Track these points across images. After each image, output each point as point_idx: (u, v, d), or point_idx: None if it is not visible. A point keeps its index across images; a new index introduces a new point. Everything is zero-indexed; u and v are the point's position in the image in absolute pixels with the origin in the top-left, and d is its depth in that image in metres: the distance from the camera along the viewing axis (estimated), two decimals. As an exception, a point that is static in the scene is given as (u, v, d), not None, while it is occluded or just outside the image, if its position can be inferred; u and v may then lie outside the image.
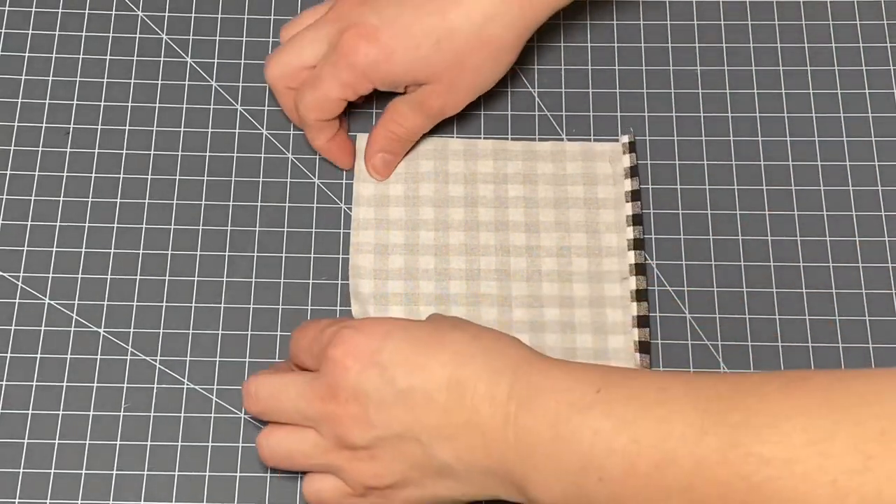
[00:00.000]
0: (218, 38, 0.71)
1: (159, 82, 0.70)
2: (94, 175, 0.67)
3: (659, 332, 0.64)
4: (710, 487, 0.45)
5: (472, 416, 0.52)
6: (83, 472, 0.60)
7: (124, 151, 0.68)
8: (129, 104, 0.69)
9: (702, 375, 0.50)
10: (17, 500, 0.60)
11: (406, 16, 0.61)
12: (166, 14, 0.71)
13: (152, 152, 0.68)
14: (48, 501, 0.60)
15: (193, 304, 0.64)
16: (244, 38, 0.71)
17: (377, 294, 0.64)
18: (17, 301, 0.64)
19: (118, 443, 0.61)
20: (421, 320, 0.56)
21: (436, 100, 0.64)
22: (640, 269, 0.64)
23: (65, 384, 0.62)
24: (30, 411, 0.61)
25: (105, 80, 0.69)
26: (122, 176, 0.67)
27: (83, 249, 0.65)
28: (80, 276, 0.64)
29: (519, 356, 0.53)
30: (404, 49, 0.61)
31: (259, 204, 0.67)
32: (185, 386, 0.62)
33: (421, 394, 0.52)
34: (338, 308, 0.64)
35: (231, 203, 0.67)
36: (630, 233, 0.65)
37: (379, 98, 0.69)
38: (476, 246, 0.65)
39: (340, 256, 0.66)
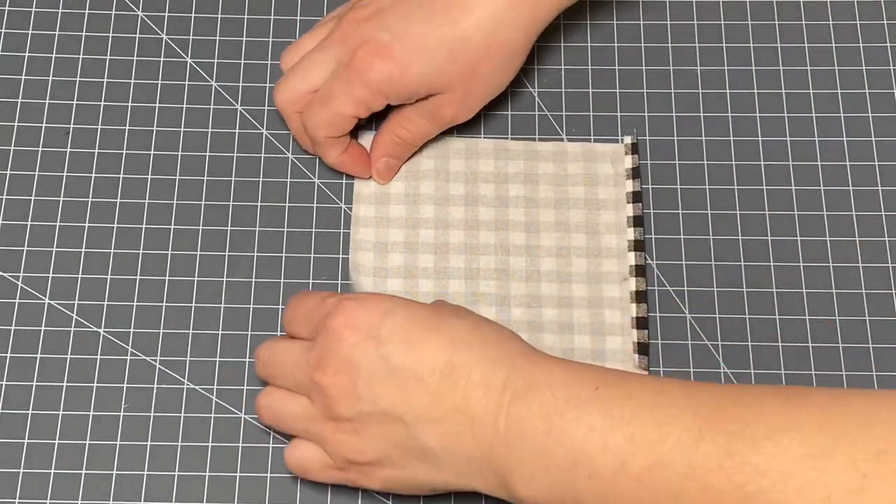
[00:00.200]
0: (218, 38, 0.71)
1: (159, 82, 0.70)
2: (94, 175, 0.67)
3: (659, 332, 0.64)
4: (701, 493, 0.45)
5: (463, 402, 0.51)
6: (83, 472, 0.60)
7: (124, 151, 0.68)
8: (129, 104, 0.69)
9: (701, 383, 0.50)
10: (17, 500, 0.60)
11: (417, 29, 0.61)
12: (166, 14, 0.71)
13: (152, 152, 0.68)
14: (48, 501, 0.60)
15: (193, 304, 0.64)
16: (244, 38, 0.71)
17: (377, 291, 0.64)
18: (17, 301, 0.64)
19: (118, 443, 0.61)
20: (425, 303, 0.56)
21: (448, 109, 0.64)
22: (640, 271, 0.64)
23: (65, 384, 0.62)
24: (30, 411, 0.61)
25: (105, 80, 0.69)
26: (122, 176, 0.67)
27: (83, 249, 0.65)
28: (80, 276, 0.64)
29: (517, 350, 0.53)
30: (419, 62, 0.61)
31: (259, 204, 0.67)
32: (185, 386, 0.62)
33: (413, 374, 0.52)
34: (338, 308, 0.64)
35: (231, 203, 0.67)
36: (631, 234, 0.65)
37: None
38: (476, 245, 0.65)
39: (340, 256, 0.66)
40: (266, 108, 0.69)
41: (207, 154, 0.68)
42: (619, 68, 0.70)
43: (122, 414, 0.62)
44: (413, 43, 0.61)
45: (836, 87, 0.70)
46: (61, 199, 0.66)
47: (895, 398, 0.45)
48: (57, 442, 0.61)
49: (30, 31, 0.71)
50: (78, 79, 0.69)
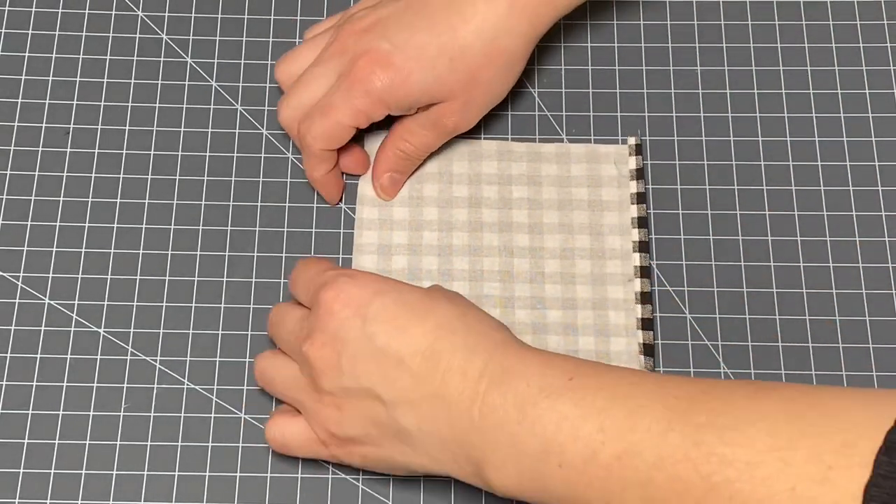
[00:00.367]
0: (218, 38, 0.71)
1: (159, 82, 0.70)
2: (94, 175, 0.67)
3: (659, 333, 0.64)
4: (669, 483, 0.46)
5: (441, 387, 0.52)
6: (83, 472, 0.60)
7: (124, 151, 0.68)
8: (129, 104, 0.69)
9: (674, 376, 0.50)
10: (17, 500, 0.60)
11: (417, 38, 0.61)
12: (166, 14, 0.71)
13: (152, 152, 0.68)
14: (48, 501, 0.60)
15: (193, 304, 0.64)
16: (244, 38, 0.71)
17: None
18: (17, 301, 0.64)
19: (118, 443, 0.61)
20: (418, 286, 0.57)
21: (450, 118, 0.64)
22: (644, 272, 0.64)
23: (65, 384, 0.62)
24: (30, 411, 0.61)
25: (105, 80, 0.69)
26: (122, 176, 0.67)
27: (83, 249, 0.65)
28: (80, 276, 0.64)
29: (499, 339, 0.53)
30: (420, 70, 0.61)
31: (259, 204, 0.67)
32: (185, 386, 0.62)
33: (395, 355, 0.53)
34: (338, 308, 0.64)
35: (231, 203, 0.67)
36: (635, 235, 0.65)
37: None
38: (479, 247, 0.65)
39: (340, 256, 0.66)
40: (266, 108, 0.69)
41: (207, 154, 0.68)
42: (620, 68, 0.70)
43: (122, 414, 0.62)
44: (413, 52, 0.61)
45: (836, 88, 0.70)
46: (61, 199, 0.66)
47: (862, 394, 0.45)
48: (57, 442, 0.61)
49: (30, 31, 0.71)
50: (78, 79, 0.69)
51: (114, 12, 0.71)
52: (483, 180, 0.67)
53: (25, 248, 0.65)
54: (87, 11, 0.71)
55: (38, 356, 0.63)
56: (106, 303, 0.64)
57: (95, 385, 0.62)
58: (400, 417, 0.53)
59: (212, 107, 0.69)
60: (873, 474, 0.41)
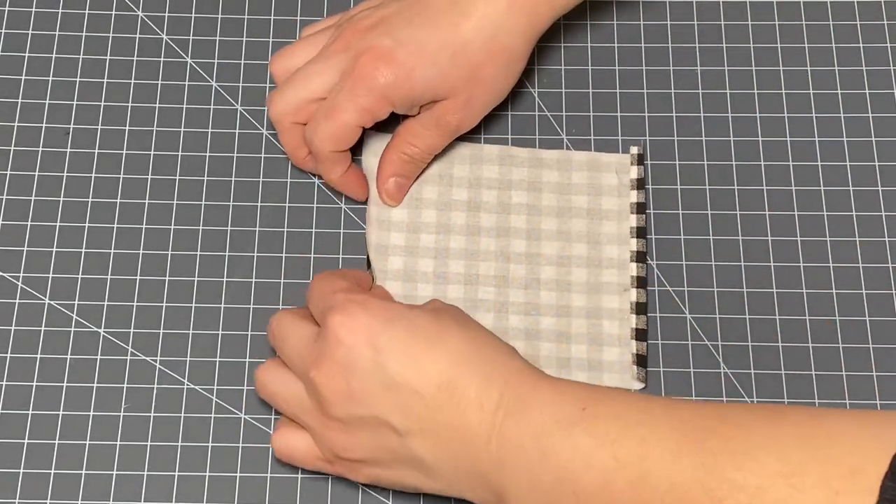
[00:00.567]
0: (218, 38, 0.71)
1: (159, 82, 0.70)
2: (94, 175, 0.67)
3: (659, 333, 0.64)
4: None
5: (458, 418, 0.52)
6: (83, 472, 0.60)
7: (124, 151, 0.68)
8: (129, 104, 0.69)
9: (683, 401, 0.51)
10: (17, 500, 0.60)
11: (419, 34, 0.61)
12: (166, 14, 0.71)
13: (152, 152, 0.68)
14: (48, 501, 0.60)
15: (193, 304, 0.64)
16: (244, 38, 0.71)
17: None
18: (17, 301, 0.64)
19: (118, 443, 0.61)
20: (424, 308, 0.56)
21: (453, 115, 0.64)
22: (641, 282, 0.64)
23: (65, 384, 0.62)
24: (30, 411, 0.61)
25: (105, 80, 0.69)
26: (122, 176, 0.67)
27: (83, 249, 0.65)
28: (80, 276, 0.64)
29: (512, 367, 0.53)
30: (423, 66, 0.61)
31: (259, 204, 0.67)
32: (185, 386, 0.62)
33: (409, 387, 0.53)
34: (338, 308, 0.64)
35: (231, 203, 0.67)
36: (634, 245, 0.65)
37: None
38: (476, 251, 0.65)
39: (340, 256, 0.66)
40: (266, 108, 0.69)
41: (207, 154, 0.68)
42: (619, 68, 0.70)
43: (122, 414, 0.62)
44: (415, 47, 0.61)
45: (836, 88, 0.70)
46: (61, 199, 0.66)
47: (868, 417, 0.46)
48: (57, 442, 0.61)
49: (30, 31, 0.71)
50: (78, 79, 0.69)
51: (114, 12, 0.71)
52: (483, 184, 0.67)
53: (25, 248, 0.65)
54: (87, 11, 0.71)
55: (38, 356, 0.63)
56: (106, 303, 0.64)
57: (95, 385, 0.62)
58: (415, 447, 0.53)
59: (212, 107, 0.69)
60: (880, 499, 0.42)
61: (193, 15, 0.71)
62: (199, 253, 0.65)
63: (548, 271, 0.65)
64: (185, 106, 0.69)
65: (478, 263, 0.65)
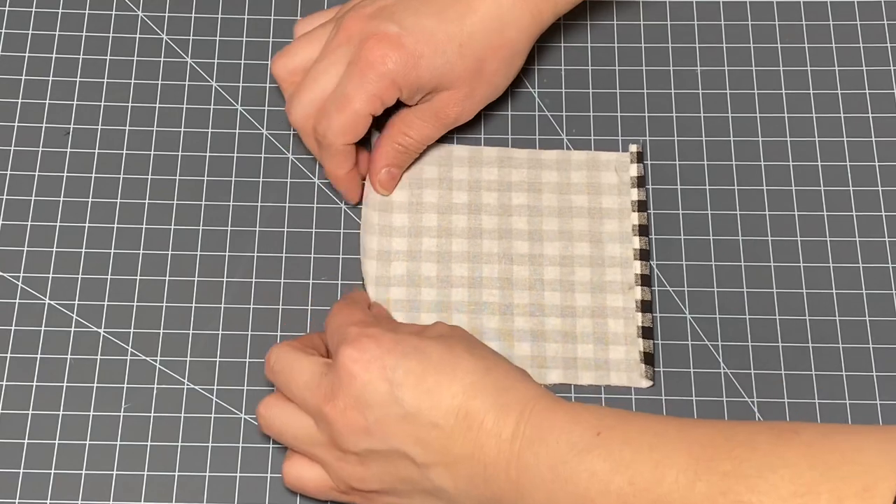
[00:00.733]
0: (218, 38, 0.71)
1: (159, 82, 0.70)
2: (94, 175, 0.67)
3: (659, 333, 0.64)
4: None
5: (476, 449, 0.52)
6: (83, 472, 0.60)
7: (124, 151, 0.68)
8: (129, 104, 0.69)
9: (697, 423, 0.51)
10: (17, 500, 0.60)
11: (426, 23, 0.61)
12: (166, 14, 0.71)
13: (152, 152, 0.68)
14: (48, 501, 0.60)
15: (193, 304, 0.64)
16: (244, 38, 0.71)
17: (379, 300, 0.64)
18: (17, 301, 0.64)
19: (118, 443, 0.61)
20: (433, 336, 0.56)
21: (453, 108, 0.64)
22: (645, 280, 0.64)
23: (65, 384, 0.62)
24: (30, 411, 0.61)
25: (105, 80, 0.69)
26: (122, 176, 0.67)
27: (83, 249, 0.65)
28: (80, 276, 0.64)
29: (527, 393, 0.53)
30: (430, 55, 0.61)
31: (259, 204, 0.67)
32: (185, 386, 0.62)
33: (427, 419, 0.52)
34: (338, 308, 0.64)
35: (231, 203, 0.67)
36: (636, 242, 0.65)
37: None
38: (479, 254, 0.65)
39: (340, 256, 0.66)
40: (266, 108, 0.69)
41: (207, 154, 0.68)
42: (620, 68, 0.70)
43: (122, 414, 0.62)
44: (423, 36, 0.61)
45: (836, 88, 0.70)
46: (61, 199, 0.66)
47: (880, 434, 0.46)
48: (57, 442, 0.61)
49: (30, 31, 0.71)
50: (78, 79, 0.69)
51: (114, 12, 0.71)
52: (483, 187, 0.67)
53: (25, 248, 0.65)
54: (87, 11, 0.71)
55: (38, 356, 0.63)
56: (106, 303, 0.64)
57: (95, 385, 0.62)
58: (435, 478, 0.53)
59: (212, 107, 0.69)
60: None
61: (193, 15, 0.71)
62: (199, 253, 0.65)
63: (551, 272, 0.65)
64: (185, 106, 0.69)
65: (481, 266, 0.65)
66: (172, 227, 0.66)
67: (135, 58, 0.70)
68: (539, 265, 0.65)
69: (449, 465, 0.52)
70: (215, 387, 0.62)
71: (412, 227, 0.66)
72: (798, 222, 0.66)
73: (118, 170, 0.67)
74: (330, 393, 0.54)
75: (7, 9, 0.71)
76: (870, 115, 0.69)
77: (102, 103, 0.69)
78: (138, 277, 0.65)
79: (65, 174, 0.67)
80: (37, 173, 0.67)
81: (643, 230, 0.66)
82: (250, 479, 0.60)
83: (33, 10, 0.71)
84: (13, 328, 0.63)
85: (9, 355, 0.63)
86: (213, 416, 0.62)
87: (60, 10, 0.71)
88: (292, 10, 0.72)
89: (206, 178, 0.67)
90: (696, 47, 0.71)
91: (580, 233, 0.66)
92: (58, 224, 0.66)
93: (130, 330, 0.63)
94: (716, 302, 0.64)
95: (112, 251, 0.65)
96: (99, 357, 0.63)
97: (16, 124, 0.68)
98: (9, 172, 0.67)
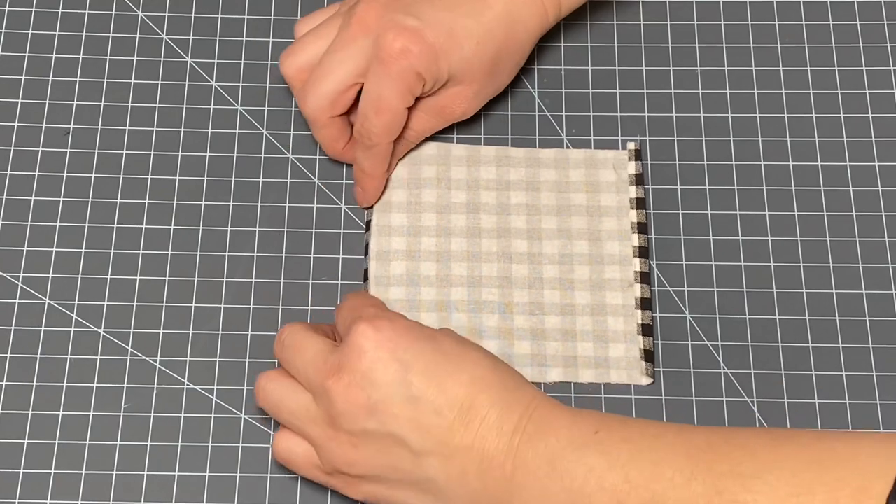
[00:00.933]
0: (218, 38, 0.71)
1: (159, 82, 0.70)
2: (94, 175, 0.67)
3: (659, 333, 0.64)
4: None
5: (476, 441, 0.52)
6: (83, 472, 0.60)
7: (124, 151, 0.68)
8: (129, 104, 0.69)
9: (696, 427, 0.51)
10: (17, 500, 0.60)
11: (441, 16, 0.61)
12: (166, 14, 0.71)
13: (152, 152, 0.68)
14: (48, 501, 0.60)
15: (193, 304, 0.64)
16: (244, 38, 0.71)
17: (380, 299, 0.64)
18: (17, 301, 0.64)
19: (118, 443, 0.61)
20: (445, 331, 0.56)
21: (461, 103, 0.64)
22: (644, 277, 0.64)
23: (65, 384, 0.62)
24: (30, 411, 0.61)
25: (105, 80, 0.69)
26: (122, 176, 0.67)
27: (83, 249, 0.65)
28: (80, 276, 0.64)
29: (530, 395, 0.53)
30: (450, 50, 0.61)
31: (259, 204, 0.67)
32: (185, 386, 0.62)
33: (432, 406, 0.52)
34: (338, 308, 0.64)
35: (231, 203, 0.67)
36: (635, 240, 0.65)
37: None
38: (478, 253, 0.65)
39: (340, 256, 0.66)
40: (266, 108, 0.69)
41: (207, 154, 0.68)
42: (619, 68, 0.70)
43: (122, 414, 0.62)
44: (442, 29, 0.60)
45: (836, 88, 0.70)
46: (61, 199, 0.66)
47: (875, 438, 0.47)
48: (57, 442, 0.61)
49: (30, 31, 0.71)
50: (78, 79, 0.69)
51: (114, 12, 0.71)
52: (481, 186, 0.67)
53: (25, 248, 0.65)
54: (87, 11, 0.71)
55: (38, 356, 0.63)
56: (106, 303, 0.64)
57: (95, 385, 0.62)
58: (428, 468, 0.52)
59: (212, 107, 0.69)
60: None
61: (193, 15, 0.71)
62: (198, 253, 0.65)
63: (550, 270, 0.65)
64: (185, 106, 0.69)
65: (480, 265, 0.65)
66: (172, 227, 0.66)
67: (135, 58, 0.70)
68: (538, 263, 0.65)
69: (445, 456, 0.52)
70: (215, 387, 0.62)
71: (411, 226, 0.66)
72: (798, 222, 0.66)
73: (118, 170, 0.67)
74: (336, 368, 0.53)
75: (7, 9, 0.71)
76: (870, 115, 0.69)
77: (102, 103, 0.69)
78: (138, 277, 0.65)
79: (65, 174, 0.67)
80: (37, 173, 0.67)
81: (642, 227, 0.66)
82: (250, 479, 0.60)
83: (33, 10, 0.71)
84: (13, 328, 0.63)
85: (9, 355, 0.63)
86: (213, 416, 0.62)
87: (60, 10, 0.71)
88: (292, 10, 0.72)
89: (206, 178, 0.67)
90: (696, 47, 0.71)
91: (579, 231, 0.66)
92: (58, 224, 0.66)
93: (130, 330, 0.63)
94: (716, 302, 0.64)
95: (112, 251, 0.65)
96: (99, 357, 0.63)
97: (16, 124, 0.68)
98: (9, 172, 0.67)
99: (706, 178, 0.67)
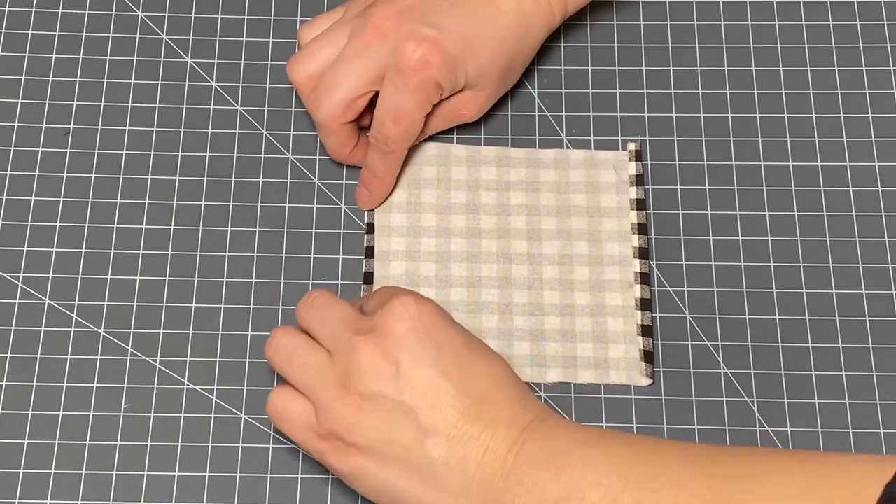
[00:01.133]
0: (218, 38, 0.71)
1: (159, 82, 0.70)
2: (94, 175, 0.67)
3: (659, 333, 0.64)
4: None
5: (485, 431, 0.52)
6: (83, 472, 0.60)
7: (124, 151, 0.68)
8: (129, 104, 0.69)
9: (697, 443, 0.54)
10: (17, 500, 0.60)
11: (457, 25, 0.61)
12: (166, 14, 0.71)
13: (152, 152, 0.68)
14: (48, 501, 0.60)
15: (193, 304, 0.64)
16: (244, 39, 0.71)
17: None
18: (17, 301, 0.64)
19: (118, 443, 0.61)
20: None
21: (471, 108, 0.65)
22: (644, 279, 0.64)
23: (65, 384, 0.62)
24: (30, 411, 0.61)
25: (105, 80, 0.69)
26: (122, 176, 0.67)
27: (83, 249, 0.65)
28: (80, 276, 0.64)
29: (542, 406, 0.55)
30: (467, 60, 0.62)
31: (259, 204, 0.67)
32: (185, 386, 0.62)
33: (452, 389, 0.53)
34: (338, 308, 0.64)
35: (231, 203, 0.67)
36: (635, 241, 0.65)
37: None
38: (478, 253, 0.65)
39: (340, 256, 0.66)
40: (266, 108, 0.69)
41: (207, 154, 0.68)
42: (619, 69, 0.70)
43: (122, 414, 0.62)
44: (460, 39, 0.61)
45: (836, 88, 0.70)
46: (61, 199, 0.66)
47: (870, 457, 0.48)
48: (57, 442, 0.61)
49: (30, 31, 0.71)
50: (78, 79, 0.69)
51: (114, 12, 0.71)
52: (481, 186, 0.67)
53: (25, 248, 0.65)
54: (87, 11, 0.71)
55: (38, 356, 0.63)
56: (106, 303, 0.64)
57: (95, 385, 0.62)
58: (430, 448, 0.52)
59: (212, 107, 0.69)
60: None
61: (193, 15, 0.71)
62: (199, 253, 0.65)
63: (550, 271, 0.65)
64: (185, 106, 0.69)
65: (480, 265, 0.65)
66: (172, 227, 0.66)
67: (135, 58, 0.70)
68: (538, 264, 0.65)
69: (450, 439, 0.52)
70: (215, 387, 0.62)
71: (411, 226, 0.66)
72: (798, 222, 0.66)
73: (118, 170, 0.67)
74: (370, 328, 0.54)
75: (7, 9, 0.71)
76: (870, 115, 0.69)
77: (102, 103, 0.69)
78: (138, 277, 0.65)
79: (65, 174, 0.67)
80: (37, 173, 0.67)
81: (642, 228, 0.66)
82: (250, 479, 0.60)
83: (33, 10, 0.71)
84: (13, 328, 0.63)
85: (9, 355, 0.63)
86: (213, 416, 0.62)
87: (60, 10, 0.71)
88: (292, 10, 0.72)
89: (206, 178, 0.67)
90: (696, 47, 0.71)
91: (579, 231, 0.66)
92: (58, 224, 0.66)
93: (130, 330, 0.63)
94: (715, 302, 0.64)
95: (112, 251, 0.65)
96: (99, 357, 0.63)
97: (16, 124, 0.68)
98: (9, 172, 0.67)
99: (706, 178, 0.67)
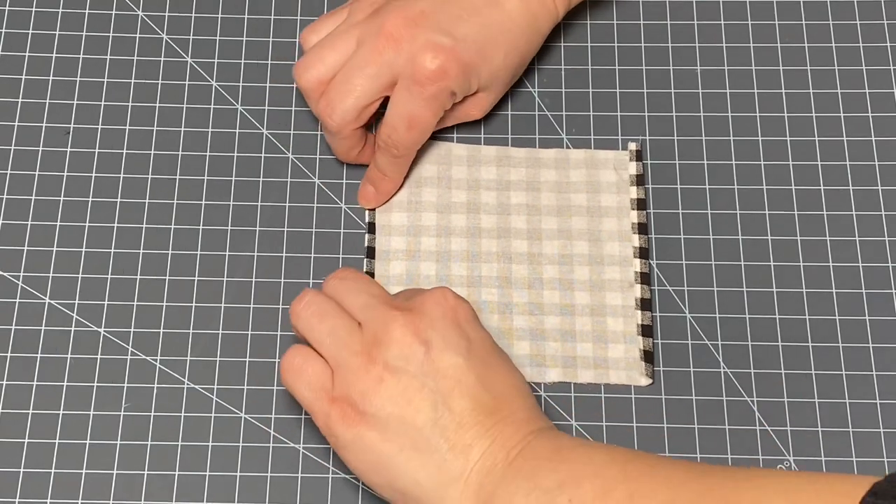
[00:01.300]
0: (218, 38, 0.71)
1: (159, 82, 0.70)
2: (94, 175, 0.67)
3: (659, 332, 0.64)
4: None
5: (496, 426, 0.53)
6: (83, 472, 0.60)
7: (124, 151, 0.68)
8: (130, 104, 0.69)
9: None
10: (17, 500, 0.60)
11: (474, 33, 0.61)
12: (166, 14, 0.71)
13: (152, 152, 0.68)
14: (48, 501, 0.60)
15: (193, 304, 0.64)
16: (244, 38, 0.71)
17: None
18: (17, 301, 0.64)
19: (118, 443, 0.61)
20: None
21: (480, 108, 0.66)
22: (645, 278, 0.64)
23: (65, 384, 0.62)
24: (30, 411, 0.61)
25: (105, 80, 0.69)
26: (122, 176, 0.67)
27: (83, 249, 0.65)
28: (80, 276, 0.64)
29: (552, 423, 0.56)
30: (480, 66, 0.62)
31: (259, 204, 0.67)
32: (185, 386, 0.62)
33: (473, 383, 0.53)
34: (338, 308, 0.64)
35: (231, 203, 0.67)
36: (636, 240, 0.65)
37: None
38: (478, 253, 0.65)
39: (340, 256, 0.66)
40: (266, 108, 0.69)
41: (207, 154, 0.68)
42: (619, 68, 0.70)
43: (122, 414, 0.62)
44: (474, 47, 0.62)
45: (836, 88, 0.70)
46: (61, 199, 0.66)
47: (862, 477, 0.48)
48: (57, 442, 0.61)
49: (30, 31, 0.71)
50: (78, 79, 0.69)
51: (114, 12, 0.71)
52: (482, 186, 0.67)
53: (25, 248, 0.65)
54: (87, 11, 0.71)
55: (38, 356, 0.63)
56: (106, 303, 0.64)
57: (95, 385, 0.62)
58: (441, 430, 0.53)
59: (212, 107, 0.69)
60: None
61: (193, 15, 0.71)
62: (199, 253, 0.65)
63: (550, 270, 0.65)
64: (185, 106, 0.69)
65: (480, 265, 0.65)
66: (172, 226, 0.66)
67: (135, 58, 0.70)
68: (538, 264, 0.65)
69: (461, 427, 0.53)
70: (215, 386, 0.62)
71: (411, 226, 0.66)
72: (798, 222, 0.66)
73: (118, 169, 0.67)
74: (406, 307, 0.55)
75: (7, 9, 0.71)
76: (870, 114, 0.69)
77: (102, 103, 0.69)
78: (138, 277, 0.65)
79: (65, 174, 0.67)
80: (37, 173, 0.67)
81: (642, 228, 0.66)
82: (250, 479, 0.60)
83: (33, 10, 0.71)
84: (13, 328, 0.63)
85: (9, 355, 0.63)
86: (213, 415, 0.62)
87: (60, 10, 0.71)
88: (292, 10, 0.72)
89: (205, 178, 0.67)
90: (696, 47, 0.71)
91: (579, 231, 0.66)
92: (58, 224, 0.66)
93: (130, 330, 0.63)
94: (715, 301, 0.64)
95: (112, 251, 0.65)
96: (99, 357, 0.63)
97: (16, 124, 0.68)
98: (9, 172, 0.67)
99: (706, 177, 0.67)
